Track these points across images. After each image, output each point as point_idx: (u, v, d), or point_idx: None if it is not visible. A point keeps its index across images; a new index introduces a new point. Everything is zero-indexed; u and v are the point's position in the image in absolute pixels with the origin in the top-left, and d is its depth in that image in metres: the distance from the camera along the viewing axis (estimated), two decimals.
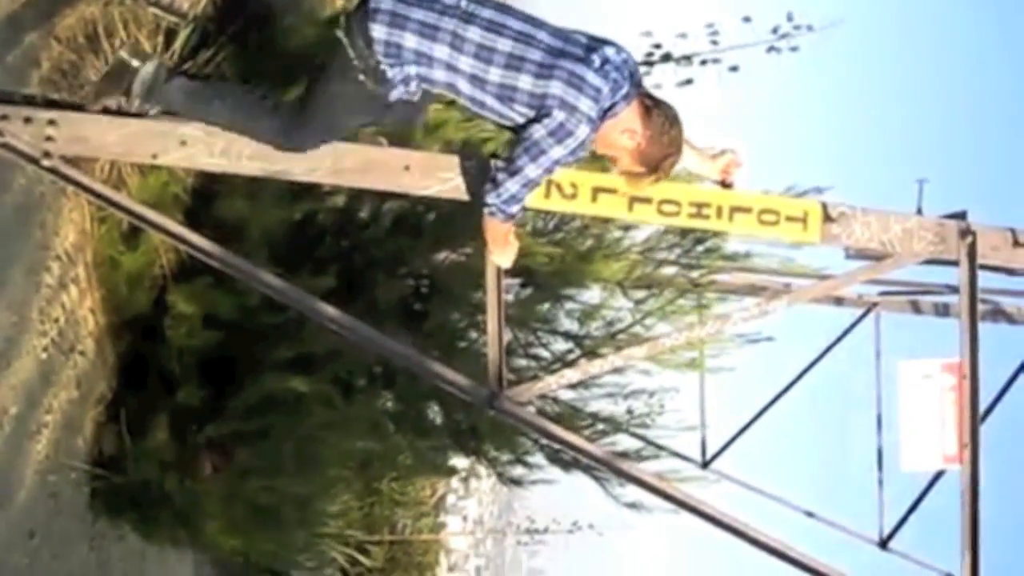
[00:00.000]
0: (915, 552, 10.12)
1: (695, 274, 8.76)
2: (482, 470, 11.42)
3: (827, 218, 5.91)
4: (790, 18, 10.82)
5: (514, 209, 5.15)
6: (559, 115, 4.82)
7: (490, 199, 5.10)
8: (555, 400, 8.85)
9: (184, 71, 5.49)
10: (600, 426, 9.21)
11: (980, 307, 8.82)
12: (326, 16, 9.56)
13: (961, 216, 6.13)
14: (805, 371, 10.11)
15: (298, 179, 5.70)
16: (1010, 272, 6.55)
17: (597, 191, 5.72)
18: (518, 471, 9.72)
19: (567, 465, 9.09)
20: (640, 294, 8.78)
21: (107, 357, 8.04)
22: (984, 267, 6.20)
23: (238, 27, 8.07)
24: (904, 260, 6.12)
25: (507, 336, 8.47)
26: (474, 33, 4.86)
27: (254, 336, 8.12)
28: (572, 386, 7.61)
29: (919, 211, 6.15)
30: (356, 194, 8.55)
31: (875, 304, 10.06)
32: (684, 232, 8.45)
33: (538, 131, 4.88)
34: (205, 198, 8.05)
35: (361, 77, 4.97)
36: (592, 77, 4.85)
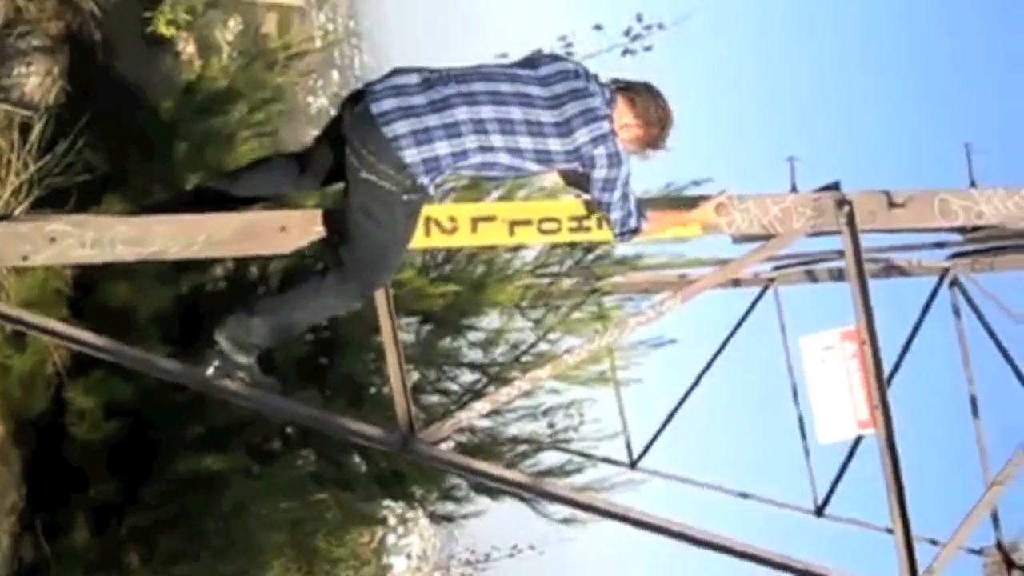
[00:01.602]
0: (852, 514, 10.28)
1: (590, 283, 8.78)
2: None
3: None
4: (640, 19, 10.93)
5: (633, 223, 5.54)
6: (600, 150, 5.21)
7: (616, 232, 5.57)
8: (472, 431, 8.81)
9: (251, 307, 5.45)
10: (522, 448, 9.19)
11: (872, 266, 9.05)
12: (183, 87, 9.49)
13: (835, 187, 6.22)
14: (714, 357, 10.22)
15: (175, 258, 5.61)
16: (892, 231, 6.66)
17: (476, 221, 5.73)
18: (448, 507, 9.67)
19: (494, 492, 9.05)
20: (539, 312, 8.78)
21: (12, 465, 7.84)
22: (865, 231, 6.31)
23: (94, 113, 7.94)
24: (788, 239, 6.20)
25: (413, 376, 8.44)
26: (487, 112, 5.07)
27: (159, 419, 7.98)
28: (485, 415, 7.57)
29: (794, 188, 6.24)
30: (241, 257, 8.45)
31: (771, 280, 10.19)
32: (572, 244, 8.47)
33: (599, 174, 5.27)
34: (87, 287, 7.92)
35: (405, 197, 5.05)
36: (594, 101, 5.24)
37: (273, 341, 5.49)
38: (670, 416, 10.35)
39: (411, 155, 4.94)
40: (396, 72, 5.16)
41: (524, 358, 8.79)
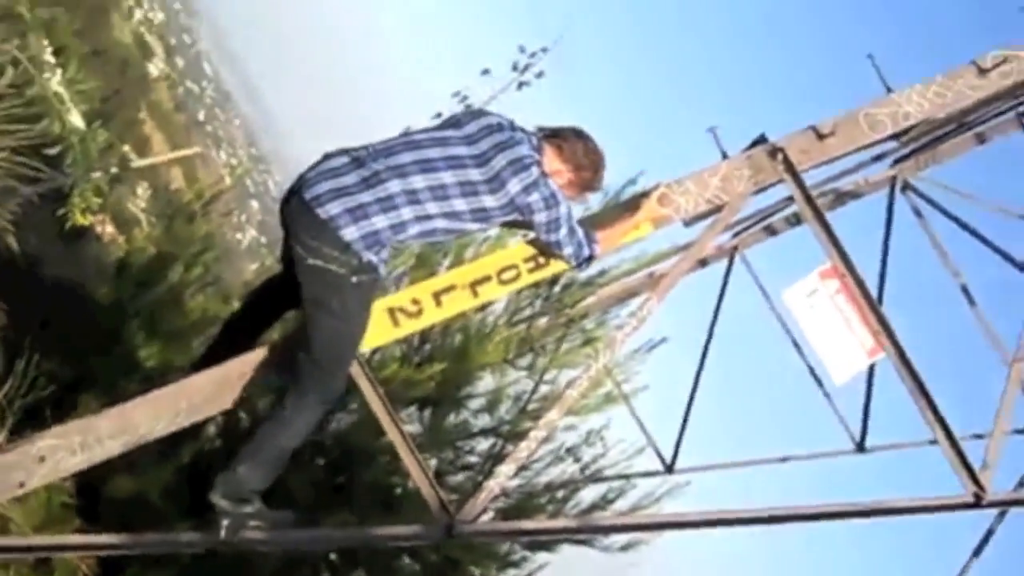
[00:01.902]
0: (892, 440, 10.29)
1: (566, 313, 8.75)
2: None
3: None
4: (523, 50, 10.94)
5: (586, 251, 5.62)
6: (534, 196, 5.29)
7: (573, 263, 5.67)
8: (507, 494, 8.73)
9: (232, 461, 5.45)
10: (559, 493, 9.11)
11: (824, 200, 9.09)
12: (114, 268, 9.47)
13: (763, 140, 6.26)
14: (708, 342, 10.19)
15: (165, 434, 5.58)
16: (830, 162, 6.69)
17: (438, 295, 5.73)
18: (510, 574, 9.56)
19: (548, 545, 8.96)
20: (528, 359, 8.73)
21: None
22: (805, 170, 6.34)
23: (39, 323, 7.91)
24: (736, 204, 6.23)
25: (432, 463, 8.38)
26: (418, 181, 5.13)
27: None
28: (513, 476, 7.52)
29: (724, 155, 6.27)
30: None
31: (735, 248, 10.21)
32: (536, 283, 8.47)
33: (539, 218, 5.36)
34: (92, 488, 7.85)
35: (355, 279, 5.08)
36: (521, 149, 5.30)
37: (267, 479, 5.46)
38: (687, 411, 10.31)
39: (350, 232, 5.00)
40: (326, 157, 5.23)
41: (530, 407, 8.74)
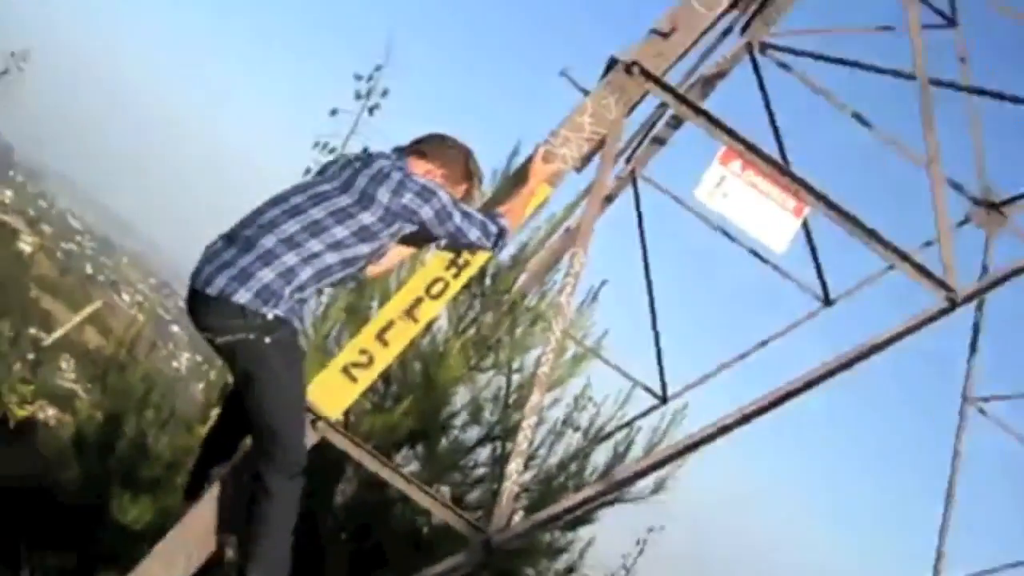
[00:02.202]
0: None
1: (506, 300, 8.75)
2: None
3: None
4: (359, 77, 10.95)
5: (494, 228, 5.68)
6: (407, 196, 5.37)
7: (488, 247, 5.73)
8: (525, 489, 8.70)
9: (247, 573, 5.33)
10: (572, 467, 9.11)
11: (693, 94, 9.17)
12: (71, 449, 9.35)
13: (614, 62, 6.28)
14: (647, 268, 10.25)
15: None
16: (685, 55, 6.74)
17: (380, 336, 5.71)
18: (562, 560, 9.49)
19: (584, 518, 8.93)
20: (490, 359, 8.71)
21: None
22: (665, 73, 6.38)
23: (25, 530, 7.82)
24: (615, 132, 6.25)
25: (444, 490, 8.36)
26: (291, 226, 5.23)
27: None
28: (524, 470, 7.51)
29: (585, 92, 6.29)
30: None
31: (632, 172, 10.26)
32: (467, 284, 8.48)
33: (426, 214, 5.42)
34: None
35: (268, 339, 5.11)
36: (380, 163, 5.47)
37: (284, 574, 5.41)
38: (657, 339, 10.36)
39: (242, 295, 5.07)
40: (206, 247, 5.32)
41: (511, 400, 8.74)
